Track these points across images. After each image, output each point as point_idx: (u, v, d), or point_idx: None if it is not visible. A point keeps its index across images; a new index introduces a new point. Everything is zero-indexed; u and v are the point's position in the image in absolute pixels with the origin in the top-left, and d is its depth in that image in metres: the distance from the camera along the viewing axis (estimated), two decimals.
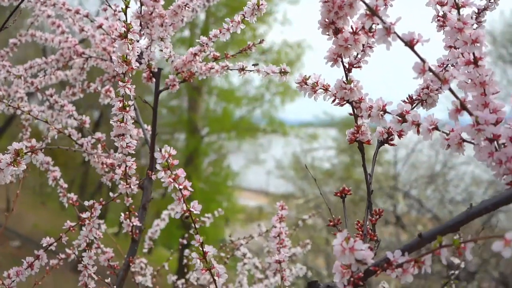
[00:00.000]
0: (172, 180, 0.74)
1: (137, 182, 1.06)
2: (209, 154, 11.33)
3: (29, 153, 0.79)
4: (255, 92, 11.32)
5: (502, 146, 0.63)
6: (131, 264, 1.15)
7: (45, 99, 1.30)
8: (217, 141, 11.53)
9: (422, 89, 0.82)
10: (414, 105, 0.82)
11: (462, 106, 0.61)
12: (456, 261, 1.26)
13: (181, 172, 0.75)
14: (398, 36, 0.60)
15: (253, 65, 1.10)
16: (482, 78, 0.64)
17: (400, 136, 0.81)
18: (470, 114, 0.61)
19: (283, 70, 1.03)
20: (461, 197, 6.96)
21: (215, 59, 1.15)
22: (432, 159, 7.67)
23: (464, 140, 0.65)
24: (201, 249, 0.78)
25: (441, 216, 6.51)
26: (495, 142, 0.62)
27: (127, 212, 1.11)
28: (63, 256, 1.23)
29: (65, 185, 1.24)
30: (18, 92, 1.39)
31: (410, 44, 0.60)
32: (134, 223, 1.12)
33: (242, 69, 1.12)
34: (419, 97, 0.82)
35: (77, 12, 1.24)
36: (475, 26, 0.85)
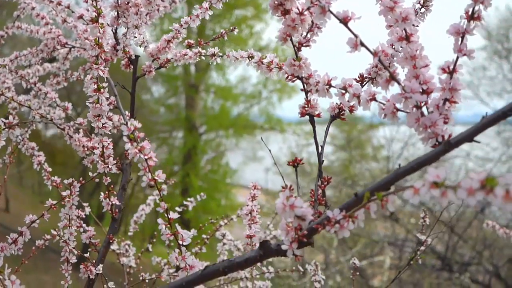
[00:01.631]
0: (137, 151, 0.80)
1: (115, 162, 1.12)
2: (207, 152, 11.39)
3: (7, 129, 0.86)
4: (252, 89, 11.40)
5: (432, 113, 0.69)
6: (111, 241, 1.22)
7: (30, 87, 1.37)
8: (215, 139, 11.59)
9: (372, 67, 0.88)
10: (364, 82, 0.89)
11: (391, 77, 0.68)
12: (422, 237, 1.31)
13: (146, 144, 0.81)
14: (333, 14, 0.66)
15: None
16: (412, 53, 0.70)
17: (351, 111, 0.87)
18: (399, 84, 0.68)
19: (250, 55, 1.09)
20: None
21: (189, 46, 1.22)
22: None
23: (398, 109, 0.72)
24: (166, 215, 0.84)
25: (436, 209, 6.57)
26: (424, 109, 0.68)
27: (106, 192, 1.17)
28: (48, 237, 1.30)
29: (49, 169, 1.30)
30: (5, 83, 1.46)
31: (344, 21, 0.66)
32: (114, 202, 1.18)
33: (213, 55, 1.19)
34: (369, 75, 0.88)
35: (59, 3, 1.31)
36: (422, 10, 0.91)
